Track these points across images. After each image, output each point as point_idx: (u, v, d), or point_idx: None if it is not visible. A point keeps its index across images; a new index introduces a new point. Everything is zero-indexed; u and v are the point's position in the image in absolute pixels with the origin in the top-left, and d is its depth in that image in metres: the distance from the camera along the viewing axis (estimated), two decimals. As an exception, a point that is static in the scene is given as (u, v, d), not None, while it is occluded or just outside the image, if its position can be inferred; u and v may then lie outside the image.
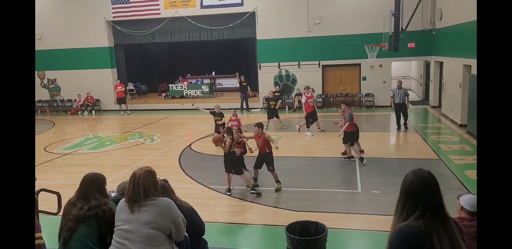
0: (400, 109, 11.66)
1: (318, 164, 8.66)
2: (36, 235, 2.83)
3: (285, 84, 17.24)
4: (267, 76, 17.33)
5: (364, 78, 16.66)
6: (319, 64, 16.73)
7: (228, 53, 21.47)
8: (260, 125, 7.05)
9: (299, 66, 16.89)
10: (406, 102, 11.62)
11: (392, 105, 11.74)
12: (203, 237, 3.80)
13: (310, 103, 11.48)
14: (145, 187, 2.84)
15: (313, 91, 13.07)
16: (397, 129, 11.85)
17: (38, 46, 18.72)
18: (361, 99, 16.75)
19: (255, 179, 7.11)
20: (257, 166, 7.09)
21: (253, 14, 16.86)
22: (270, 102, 12.57)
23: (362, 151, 8.84)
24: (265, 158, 6.97)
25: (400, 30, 11.59)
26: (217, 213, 6.06)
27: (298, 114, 15.50)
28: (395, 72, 18.18)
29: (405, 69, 21.55)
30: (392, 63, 16.52)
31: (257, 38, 17.14)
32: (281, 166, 8.63)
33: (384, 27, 12.94)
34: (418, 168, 2.12)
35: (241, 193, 6.91)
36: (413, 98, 18.54)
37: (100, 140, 12.03)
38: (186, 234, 3.17)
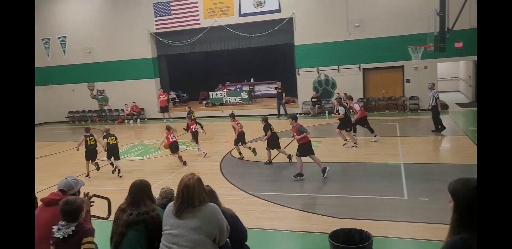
0: (432, 112, 11.47)
1: (361, 170, 8.43)
2: (88, 239, 2.96)
3: (325, 89, 17.04)
4: (306, 81, 17.23)
5: (408, 81, 16.12)
6: (359, 67, 16.40)
7: (266, 59, 21.63)
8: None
9: (338, 70, 16.65)
10: (436, 105, 11.21)
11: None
12: (245, 243, 3.80)
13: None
14: (199, 197, 2.95)
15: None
16: (432, 131, 11.48)
17: (88, 59, 19.90)
18: (405, 103, 16.20)
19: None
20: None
21: (290, 20, 16.88)
22: None
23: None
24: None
25: (446, 30, 11.12)
26: (258, 219, 6.03)
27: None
28: (441, 73, 17.46)
29: (452, 70, 20.61)
30: (438, 64, 15.86)
31: (295, 44, 17.12)
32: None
33: (429, 27, 12.48)
34: (465, 178, 2.04)
35: (283, 199, 6.86)
36: (462, 100, 17.69)
37: (145, 147, 12.45)
38: (227, 239, 3.22)
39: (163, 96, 17.95)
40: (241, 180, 8.16)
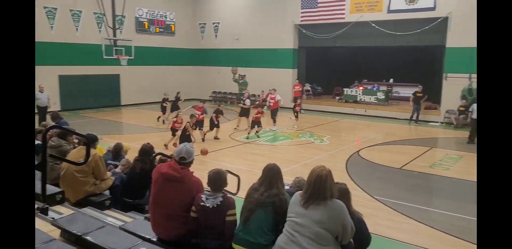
0: (474, 124, 11.55)
1: None
2: (233, 211, 3.27)
3: (475, 99, 15.21)
4: (453, 88, 15.60)
5: None
6: (524, 78, 14.15)
7: (410, 60, 20.16)
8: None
9: (496, 80, 14.63)
10: None
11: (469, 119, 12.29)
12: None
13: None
14: (331, 190, 2.96)
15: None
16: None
17: (235, 45, 21.52)
18: None
19: None
20: None
21: (445, 20, 15.39)
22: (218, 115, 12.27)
23: None
24: None
25: None
26: (380, 226, 5.85)
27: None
28: None
29: None
30: None
31: (446, 46, 15.60)
32: (463, 190, 7.83)
33: None
34: None
35: (410, 210, 6.51)
36: None
37: (275, 134, 13.01)
38: (351, 240, 3.18)
39: (298, 87, 18.35)
40: (366, 182, 7.98)
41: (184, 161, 3.45)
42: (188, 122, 10.17)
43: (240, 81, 21.89)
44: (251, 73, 21.29)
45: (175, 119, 10.68)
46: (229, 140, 11.96)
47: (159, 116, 15.06)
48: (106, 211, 4.61)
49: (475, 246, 5.19)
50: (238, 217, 3.37)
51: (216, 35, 22.51)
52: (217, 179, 3.35)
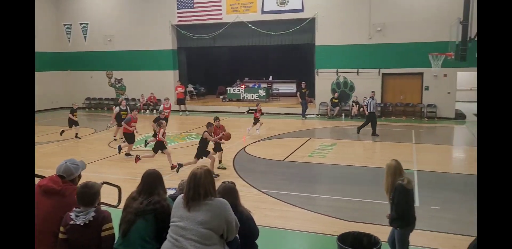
0: (372, 117, 12.32)
1: (374, 175, 8.39)
2: (109, 225, 2.96)
3: (343, 91, 16.96)
4: (324, 82, 17.16)
5: (427, 88, 15.94)
6: (379, 72, 16.27)
7: (286, 58, 21.56)
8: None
9: (357, 74, 16.54)
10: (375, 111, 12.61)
11: (366, 113, 12.57)
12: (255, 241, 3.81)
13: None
14: (206, 187, 2.91)
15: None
16: (372, 134, 12.30)
17: (108, 47, 20.11)
18: (423, 110, 16.02)
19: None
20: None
21: (313, 20, 16.81)
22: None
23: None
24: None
25: (468, 39, 10.96)
26: (267, 217, 6.08)
27: (355, 122, 15.14)
28: (461, 82, 17.20)
29: (472, 80, 20.22)
30: (458, 73, 15.64)
31: (315, 44, 17.05)
32: (337, 174, 8.54)
33: (451, 35, 12.28)
34: None
35: (293, 199, 6.90)
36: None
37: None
38: (237, 235, 3.20)
39: (180, 88, 18.07)
40: (253, 177, 8.21)
41: (63, 179, 3.19)
42: (205, 131, 8.53)
43: (117, 85, 20.58)
44: (129, 76, 20.19)
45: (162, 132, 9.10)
46: (107, 149, 11.14)
47: (63, 130, 12.86)
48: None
49: (348, 222, 5.80)
50: (116, 230, 3.12)
51: (85, 37, 20.75)
52: (86, 193, 3.02)
